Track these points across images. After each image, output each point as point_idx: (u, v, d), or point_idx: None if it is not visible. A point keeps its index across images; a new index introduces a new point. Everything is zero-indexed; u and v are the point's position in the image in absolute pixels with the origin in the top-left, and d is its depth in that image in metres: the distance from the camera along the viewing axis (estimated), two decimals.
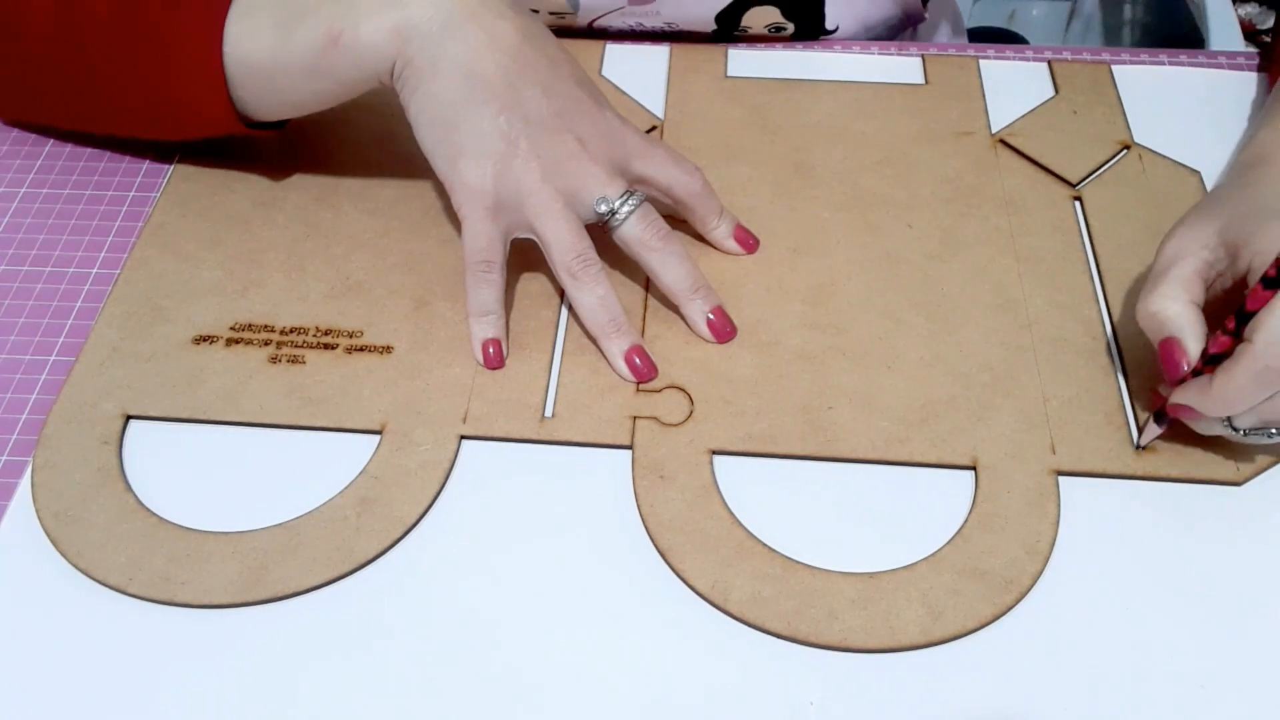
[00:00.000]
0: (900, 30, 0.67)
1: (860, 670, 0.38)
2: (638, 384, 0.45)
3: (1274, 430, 0.41)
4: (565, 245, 0.45)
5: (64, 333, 0.47)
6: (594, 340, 0.46)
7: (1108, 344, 0.46)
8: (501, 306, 0.46)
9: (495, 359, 0.46)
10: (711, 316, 0.46)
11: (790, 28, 0.62)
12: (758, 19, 0.61)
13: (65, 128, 0.56)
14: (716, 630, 0.39)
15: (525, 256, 0.49)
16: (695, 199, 0.49)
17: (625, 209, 0.45)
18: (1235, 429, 0.40)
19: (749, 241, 0.50)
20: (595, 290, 0.45)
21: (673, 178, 0.48)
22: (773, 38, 0.62)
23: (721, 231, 0.50)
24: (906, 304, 0.48)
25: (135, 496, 0.42)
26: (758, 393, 0.45)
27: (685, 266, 0.46)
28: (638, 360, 0.45)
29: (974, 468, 0.43)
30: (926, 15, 0.67)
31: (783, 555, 0.40)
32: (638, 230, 0.46)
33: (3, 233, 0.52)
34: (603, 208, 0.45)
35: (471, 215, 0.45)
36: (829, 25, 0.62)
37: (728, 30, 0.61)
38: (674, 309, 0.47)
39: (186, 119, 0.49)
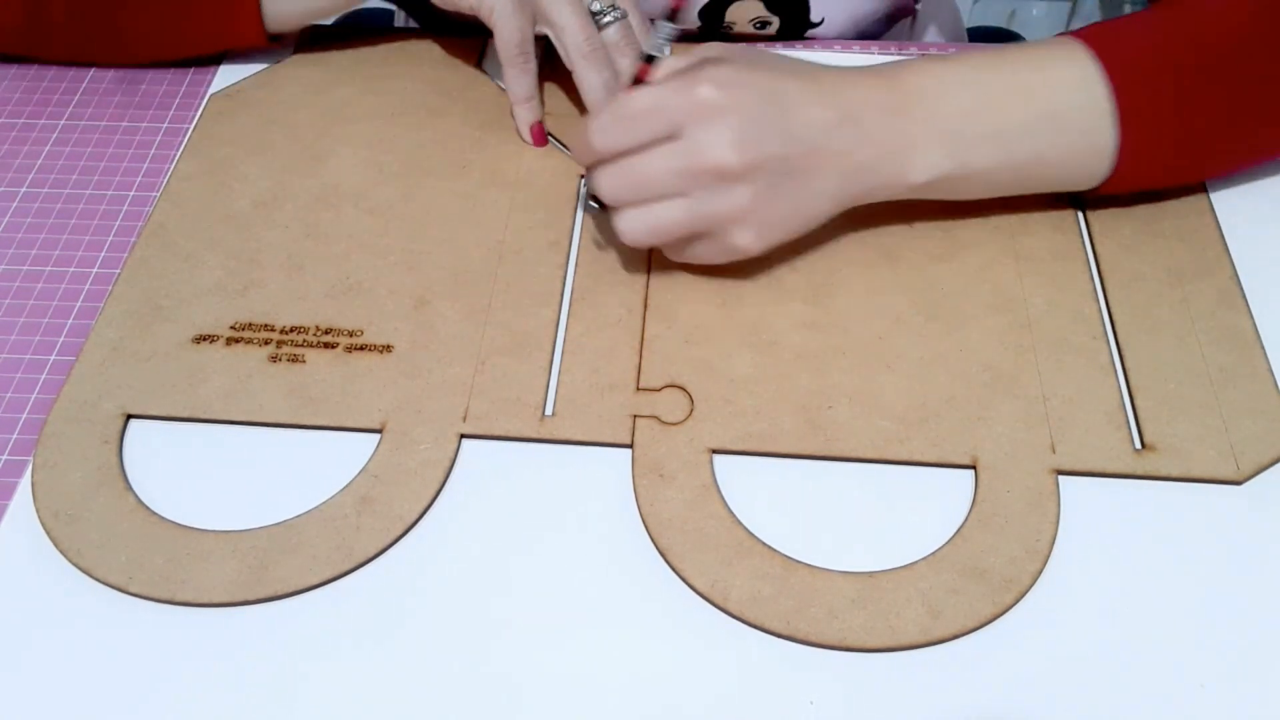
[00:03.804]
0: (890, 24, 0.67)
1: (860, 669, 0.38)
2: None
3: (592, 201, 0.47)
4: (577, 29, 0.51)
5: (64, 333, 0.47)
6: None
7: (1108, 344, 0.46)
8: (539, 92, 0.54)
9: (540, 137, 0.55)
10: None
11: (775, 22, 0.61)
12: (741, 14, 0.61)
13: (73, 58, 0.58)
14: (716, 629, 0.39)
15: (525, 256, 0.49)
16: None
17: (609, 18, 0.53)
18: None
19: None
20: (603, 72, 0.51)
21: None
22: (759, 35, 0.62)
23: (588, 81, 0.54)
24: (906, 303, 0.48)
25: (135, 496, 0.42)
26: (758, 392, 0.45)
27: (606, 75, 0.53)
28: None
29: (974, 467, 0.43)
30: (918, 6, 0.67)
31: (782, 554, 0.40)
32: (614, 37, 0.53)
33: (3, 233, 0.52)
34: (595, 6, 0.53)
35: (503, 10, 0.51)
36: (814, 18, 0.62)
37: (712, 26, 0.61)
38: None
39: (212, 27, 0.56)
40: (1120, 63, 0.46)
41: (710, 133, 0.43)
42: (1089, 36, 0.47)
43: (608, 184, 0.45)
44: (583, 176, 0.48)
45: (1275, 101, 0.47)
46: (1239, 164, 0.51)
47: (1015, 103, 0.46)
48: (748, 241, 0.45)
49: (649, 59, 0.44)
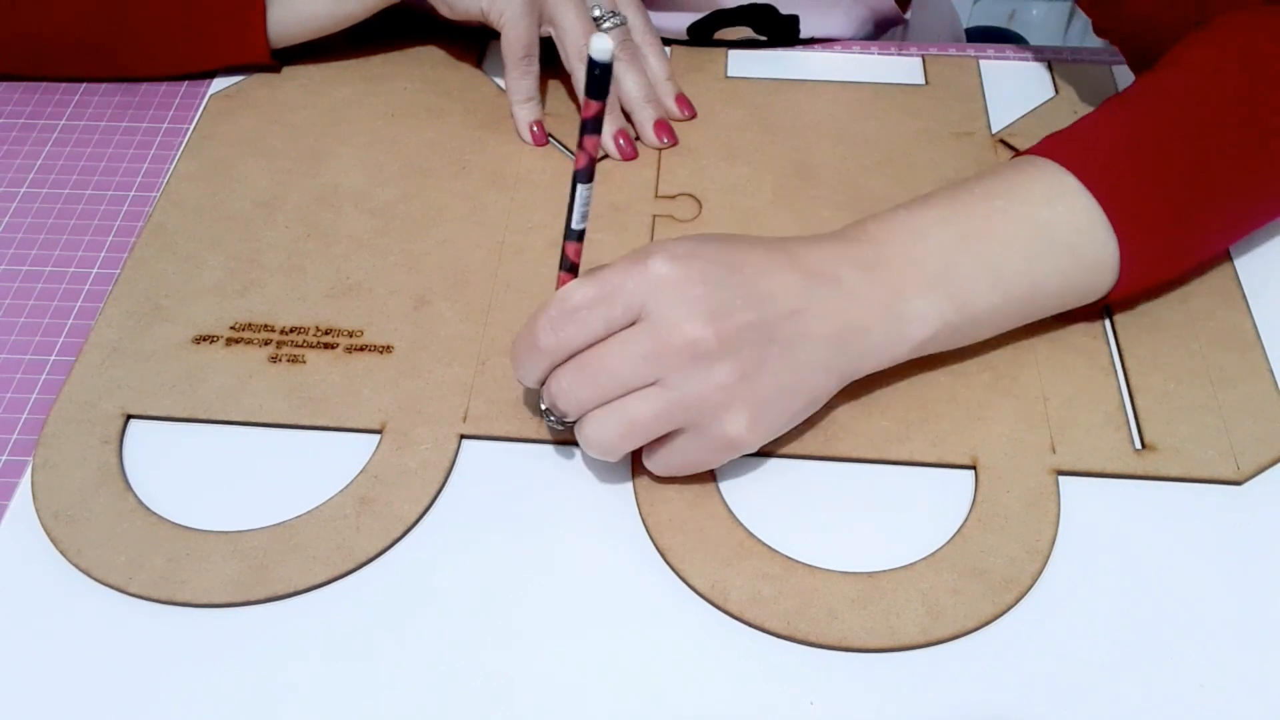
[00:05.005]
0: (879, 35, 0.67)
1: (860, 670, 0.38)
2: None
3: (555, 419, 0.41)
4: (579, 32, 0.53)
5: (64, 333, 0.47)
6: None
7: (1108, 344, 0.46)
8: (539, 93, 0.56)
9: (540, 137, 0.55)
10: (656, 118, 0.56)
11: (764, 41, 0.62)
12: (731, 32, 0.61)
13: (81, 73, 0.59)
14: (716, 630, 0.39)
15: (525, 256, 0.49)
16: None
17: (608, 24, 0.55)
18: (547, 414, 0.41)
19: (669, 133, 0.56)
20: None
21: (635, 23, 0.57)
22: (752, 45, 0.62)
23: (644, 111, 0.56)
24: None
25: (135, 496, 0.42)
26: None
27: (642, 79, 0.56)
28: (622, 141, 0.55)
29: (974, 467, 0.43)
30: (906, 17, 0.67)
31: (782, 555, 0.40)
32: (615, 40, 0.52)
33: (3, 233, 0.52)
34: (596, 12, 0.54)
35: (512, 15, 0.53)
36: (803, 36, 0.62)
37: (702, 42, 0.62)
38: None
39: (217, 48, 0.57)
40: (1094, 169, 0.43)
41: (675, 308, 0.38)
42: (1055, 152, 0.44)
43: (566, 386, 0.39)
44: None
45: (1253, 168, 0.45)
46: (1238, 235, 0.49)
47: (1001, 235, 0.42)
48: (740, 427, 0.39)
49: (578, 236, 0.39)
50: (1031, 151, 0.45)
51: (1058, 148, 0.44)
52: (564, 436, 0.43)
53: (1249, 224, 0.48)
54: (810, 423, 0.43)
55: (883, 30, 0.66)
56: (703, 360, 0.38)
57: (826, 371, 0.41)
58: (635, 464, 0.42)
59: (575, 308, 0.38)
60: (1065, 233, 0.42)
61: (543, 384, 0.40)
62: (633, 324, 0.38)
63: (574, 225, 0.38)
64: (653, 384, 0.38)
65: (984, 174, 0.44)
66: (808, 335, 0.40)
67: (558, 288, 0.40)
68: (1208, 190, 0.45)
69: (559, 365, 0.39)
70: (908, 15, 0.67)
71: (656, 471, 0.41)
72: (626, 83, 0.56)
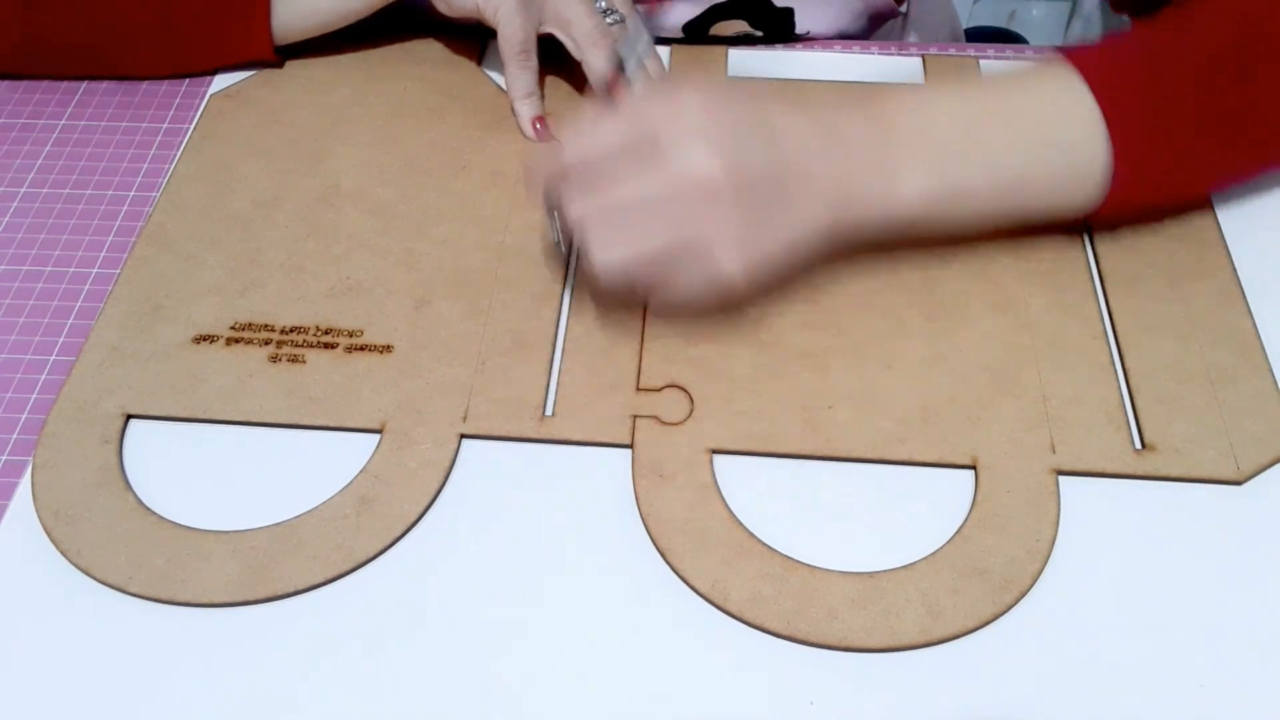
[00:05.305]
0: (875, 28, 0.67)
1: (860, 670, 0.38)
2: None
3: (557, 234, 0.45)
4: (586, 17, 0.53)
5: (64, 333, 0.47)
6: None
7: (1108, 344, 0.46)
8: (539, 89, 0.55)
9: (544, 132, 0.55)
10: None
11: (760, 36, 0.62)
12: (726, 30, 0.61)
13: (84, 73, 0.59)
14: (716, 630, 0.39)
15: (526, 256, 0.49)
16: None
17: (610, 19, 0.55)
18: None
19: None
20: (614, 59, 0.52)
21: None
22: (749, 42, 0.62)
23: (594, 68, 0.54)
24: (906, 303, 0.48)
25: (135, 495, 0.42)
26: (758, 392, 0.45)
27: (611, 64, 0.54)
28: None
29: (974, 467, 0.43)
30: (902, 10, 0.67)
31: (782, 555, 0.40)
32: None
33: (3, 233, 0.52)
34: (601, 4, 0.54)
35: (507, 11, 0.53)
36: (799, 31, 0.62)
37: (697, 40, 0.62)
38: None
39: (221, 47, 0.57)
40: (1108, 81, 0.45)
41: (694, 146, 0.40)
42: (1074, 57, 0.46)
43: (581, 202, 0.41)
44: (552, 213, 0.44)
45: (1268, 113, 0.47)
46: (1238, 177, 0.51)
47: (1002, 122, 0.45)
48: (732, 263, 0.42)
49: (620, 66, 0.44)
50: (1064, 52, 0.46)
51: (1081, 56, 0.46)
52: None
53: (1254, 167, 0.50)
54: (811, 423, 0.44)
55: (879, 23, 0.66)
56: (709, 198, 0.40)
57: (817, 228, 0.44)
58: (635, 464, 0.42)
59: (602, 122, 0.41)
60: (1064, 136, 0.45)
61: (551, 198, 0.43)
62: (650, 152, 0.40)
63: (619, 51, 0.47)
64: (660, 214, 0.41)
65: (1006, 70, 0.47)
66: (807, 194, 0.43)
67: (608, 88, 0.47)
68: (1213, 127, 0.46)
69: (575, 181, 0.42)
70: (903, 8, 0.67)
71: (655, 310, 0.46)
72: (600, 65, 0.54)
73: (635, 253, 0.41)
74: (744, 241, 0.41)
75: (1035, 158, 0.45)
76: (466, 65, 0.60)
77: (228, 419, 0.44)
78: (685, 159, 0.40)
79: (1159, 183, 0.47)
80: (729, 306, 0.44)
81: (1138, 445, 0.43)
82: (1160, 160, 0.46)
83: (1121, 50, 0.47)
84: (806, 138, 0.43)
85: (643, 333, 0.47)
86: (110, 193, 0.54)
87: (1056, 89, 0.45)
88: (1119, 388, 0.45)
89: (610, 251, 0.41)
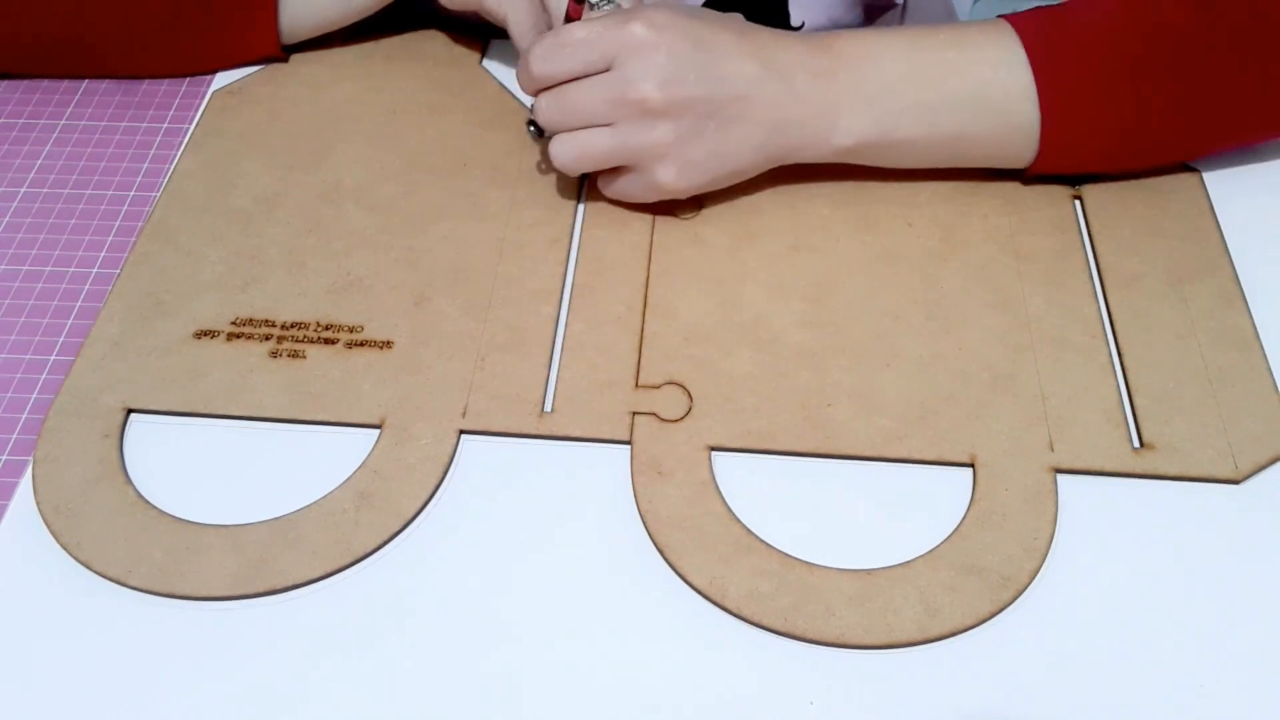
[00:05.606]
0: (871, 20, 0.67)
1: (858, 667, 0.38)
2: None
3: (531, 127, 0.50)
4: None
5: (64, 332, 0.47)
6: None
7: (1107, 343, 0.47)
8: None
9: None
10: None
11: None
12: None
13: (88, 73, 0.59)
14: (714, 627, 0.39)
15: (526, 253, 0.49)
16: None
17: (606, 6, 0.53)
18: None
19: None
20: (532, 14, 0.53)
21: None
22: None
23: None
24: (906, 302, 0.48)
25: (136, 490, 0.42)
26: (757, 389, 0.45)
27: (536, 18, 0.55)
28: None
29: (972, 465, 0.43)
30: (898, 1, 0.67)
31: (781, 552, 0.40)
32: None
33: (3, 232, 0.52)
34: None
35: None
36: (794, 23, 0.62)
37: None
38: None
39: (228, 46, 0.57)
40: (1045, 47, 0.47)
41: (637, 68, 0.46)
42: (1020, 20, 0.48)
43: (544, 107, 0.48)
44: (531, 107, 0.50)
45: (1225, 93, 0.48)
46: (1194, 152, 0.52)
47: (940, 77, 0.48)
48: (669, 178, 0.48)
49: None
50: (1007, 17, 0.49)
51: (1024, 20, 0.48)
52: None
53: (1214, 144, 0.52)
54: (810, 421, 0.44)
55: (875, 15, 0.66)
56: (648, 116, 0.46)
57: (753, 151, 0.48)
58: (634, 460, 0.42)
59: (563, 44, 0.46)
60: (999, 97, 0.48)
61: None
62: (606, 70, 0.46)
63: None
64: (609, 125, 0.47)
65: (955, 26, 0.50)
66: (746, 119, 0.47)
67: (566, 15, 0.50)
68: (1162, 101, 0.48)
69: (545, 89, 0.48)
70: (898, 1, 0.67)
71: (605, 193, 0.51)
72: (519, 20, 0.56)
73: (582, 153, 0.48)
74: (679, 157, 0.47)
75: (970, 116, 0.48)
76: (468, 63, 0.60)
77: (228, 414, 0.44)
78: (629, 81, 0.46)
79: (1090, 145, 0.49)
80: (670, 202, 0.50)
81: (1136, 444, 0.43)
82: (1094, 127, 0.49)
83: (1072, 17, 0.48)
84: (745, 64, 0.47)
85: (642, 330, 0.47)
86: (111, 192, 0.54)
87: (996, 52, 0.48)
88: (1118, 386, 0.45)
89: (565, 149, 0.48)
